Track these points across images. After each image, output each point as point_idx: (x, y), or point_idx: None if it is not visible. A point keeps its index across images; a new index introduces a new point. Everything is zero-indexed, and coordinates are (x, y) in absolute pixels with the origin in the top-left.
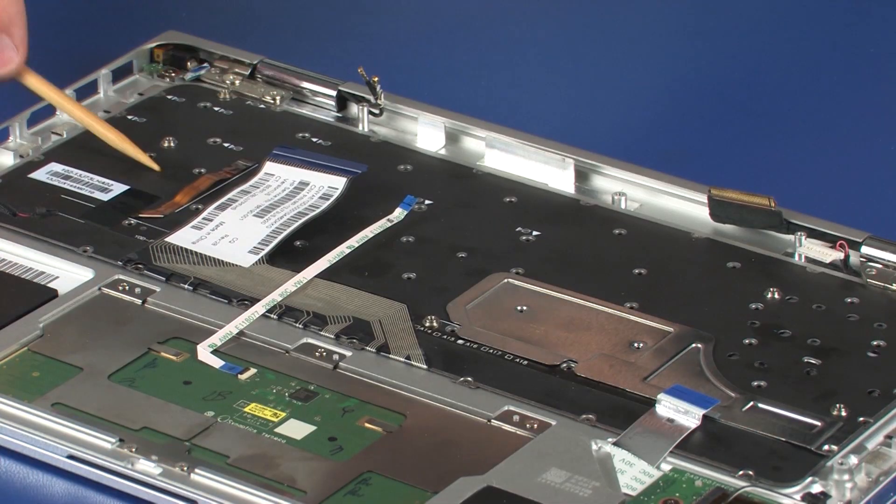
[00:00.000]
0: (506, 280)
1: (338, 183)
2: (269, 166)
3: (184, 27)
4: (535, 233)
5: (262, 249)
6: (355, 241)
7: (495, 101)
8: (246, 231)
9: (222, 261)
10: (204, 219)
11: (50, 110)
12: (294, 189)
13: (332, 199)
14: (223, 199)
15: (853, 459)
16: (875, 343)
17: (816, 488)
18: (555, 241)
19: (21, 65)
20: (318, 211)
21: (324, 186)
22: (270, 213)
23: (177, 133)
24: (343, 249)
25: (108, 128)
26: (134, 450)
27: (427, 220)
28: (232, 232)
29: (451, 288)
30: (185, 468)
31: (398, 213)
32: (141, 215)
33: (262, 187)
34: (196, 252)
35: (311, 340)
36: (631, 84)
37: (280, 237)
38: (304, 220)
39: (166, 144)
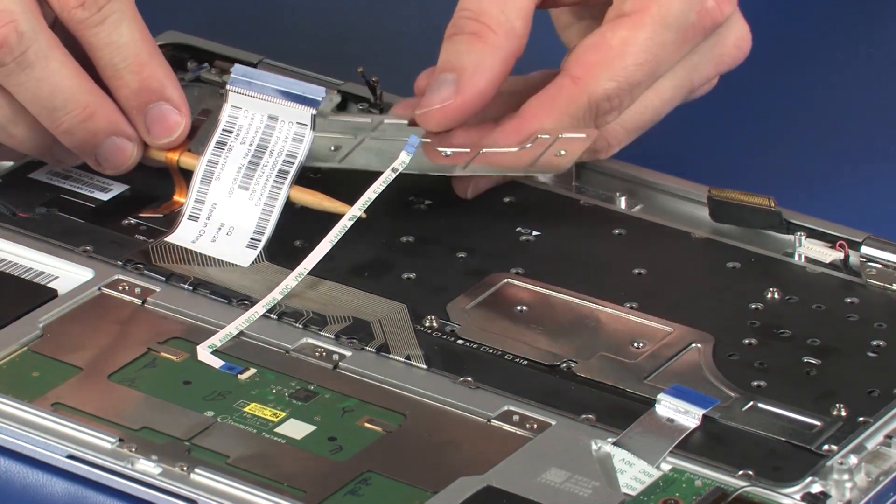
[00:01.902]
0: (506, 280)
1: (305, 118)
2: (233, 98)
3: (184, 27)
4: (535, 233)
5: (259, 240)
6: (357, 209)
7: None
8: (238, 214)
9: (222, 261)
10: (196, 202)
11: None
12: (266, 131)
13: (305, 141)
14: (205, 165)
15: (853, 459)
16: (875, 343)
17: (816, 488)
18: (555, 241)
19: (188, 127)
20: (297, 163)
21: (293, 124)
22: (252, 178)
23: None
24: (346, 223)
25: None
26: (134, 450)
27: (427, 220)
28: (227, 219)
29: (451, 288)
30: (185, 468)
31: (403, 158)
32: (141, 215)
33: (234, 132)
34: (196, 252)
35: (310, 340)
36: None
37: (272, 220)
38: (287, 181)
39: None
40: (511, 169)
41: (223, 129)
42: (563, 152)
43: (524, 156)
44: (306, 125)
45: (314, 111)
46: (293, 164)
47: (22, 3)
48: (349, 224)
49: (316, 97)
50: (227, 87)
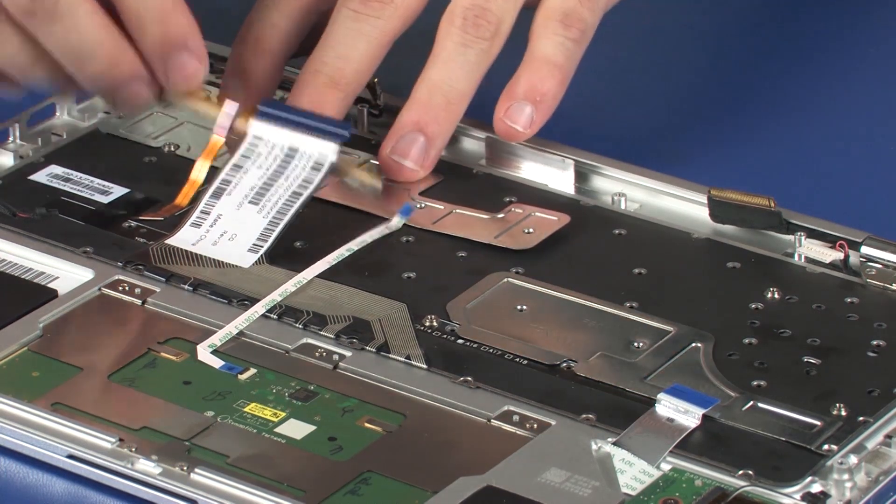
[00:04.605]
0: (506, 280)
1: (327, 149)
2: (256, 127)
3: None
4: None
5: (261, 247)
6: (355, 245)
7: (495, 101)
8: (243, 224)
9: (222, 262)
10: (202, 212)
11: (49, 111)
12: (285, 158)
13: (324, 170)
14: (217, 183)
15: (853, 459)
16: (875, 343)
17: (816, 488)
18: (555, 241)
19: (206, 73)
20: (312, 188)
21: (314, 154)
22: (265, 196)
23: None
24: (342, 252)
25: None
26: (134, 449)
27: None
28: (230, 227)
29: (450, 287)
30: (185, 468)
31: (396, 221)
32: (141, 218)
33: (252, 158)
34: (196, 254)
35: (310, 340)
36: (631, 84)
37: (277, 230)
38: (299, 201)
39: (166, 148)
40: (475, 235)
41: (242, 155)
42: (531, 230)
43: (493, 225)
44: (327, 155)
45: (338, 146)
46: (308, 187)
47: None
48: (346, 254)
49: (343, 132)
50: (252, 118)
